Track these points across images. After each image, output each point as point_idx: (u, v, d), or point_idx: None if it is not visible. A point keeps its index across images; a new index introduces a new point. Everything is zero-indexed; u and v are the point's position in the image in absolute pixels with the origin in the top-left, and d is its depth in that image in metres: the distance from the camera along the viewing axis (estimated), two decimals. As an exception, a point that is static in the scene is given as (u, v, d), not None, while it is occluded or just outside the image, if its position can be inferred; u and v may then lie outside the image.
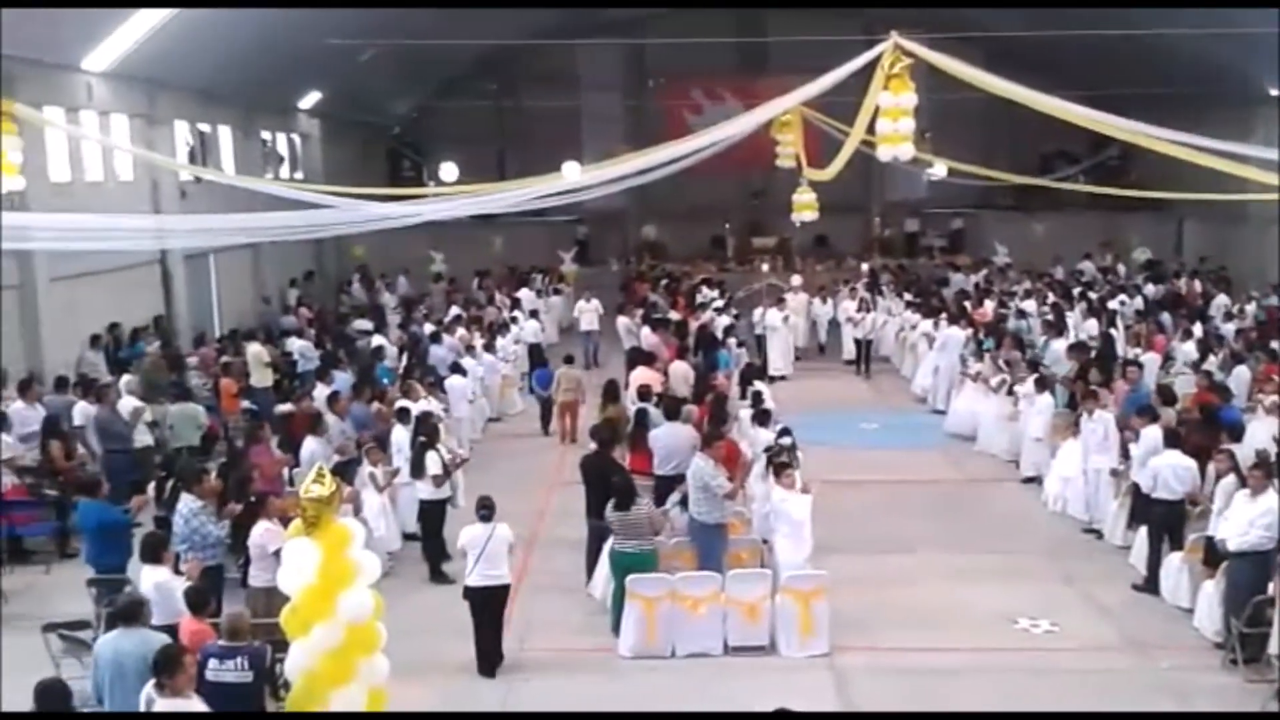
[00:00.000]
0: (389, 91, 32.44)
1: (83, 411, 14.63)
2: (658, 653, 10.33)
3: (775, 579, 10.52)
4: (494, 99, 34.76)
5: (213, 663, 7.18)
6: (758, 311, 23.26)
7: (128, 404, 14.85)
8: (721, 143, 15.29)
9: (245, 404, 17.53)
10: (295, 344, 20.67)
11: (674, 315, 22.79)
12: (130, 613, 7.72)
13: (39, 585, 12.41)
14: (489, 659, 10.07)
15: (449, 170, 33.09)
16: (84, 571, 10.78)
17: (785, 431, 13.05)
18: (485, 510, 10.12)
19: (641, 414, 13.95)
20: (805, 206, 20.12)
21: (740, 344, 20.72)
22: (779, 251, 32.17)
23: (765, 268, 27.31)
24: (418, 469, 12.59)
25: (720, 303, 24.37)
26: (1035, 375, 15.87)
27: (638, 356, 18.25)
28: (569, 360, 19.04)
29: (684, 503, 11.31)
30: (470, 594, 10.01)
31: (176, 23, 17.58)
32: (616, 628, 10.57)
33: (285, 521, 8.99)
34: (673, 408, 13.30)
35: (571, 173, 18.04)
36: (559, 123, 32.23)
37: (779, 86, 14.37)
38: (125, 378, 16.25)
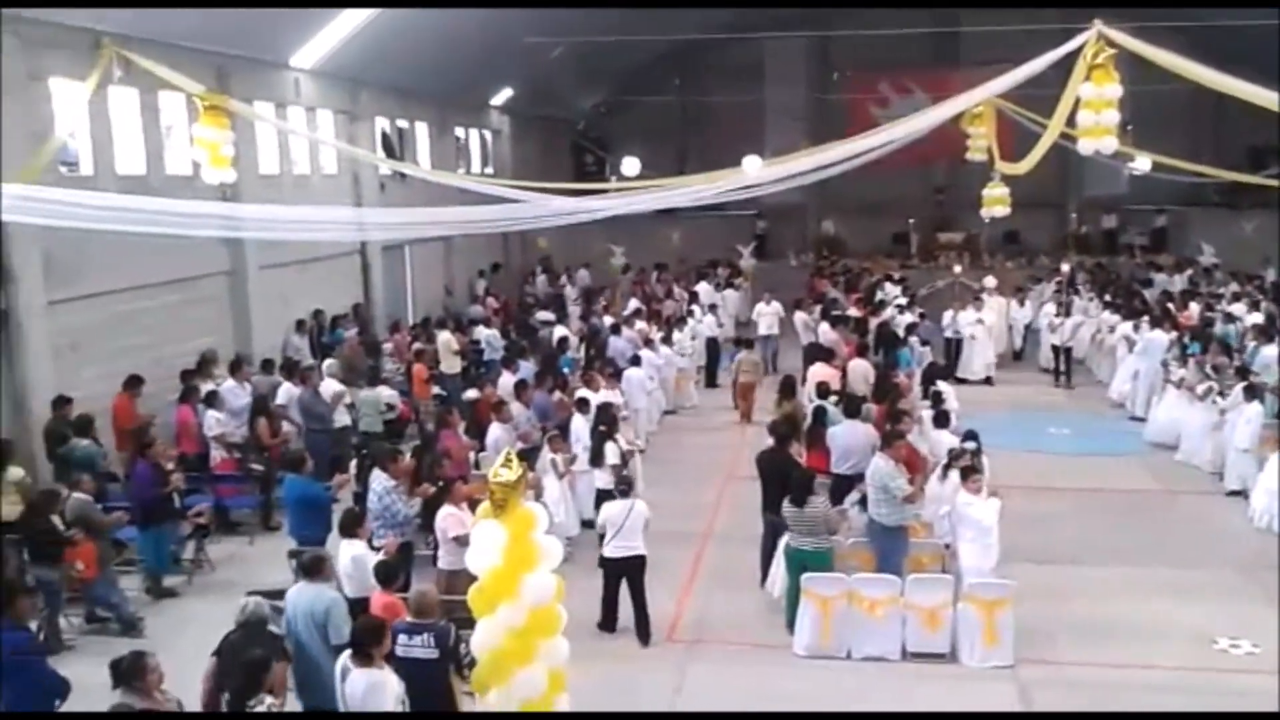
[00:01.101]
0: (575, 87, 33.06)
1: (287, 392, 15.43)
2: (833, 653, 10.23)
3: (958, 585, 10.25)
4: (677, 93, 34.97)
5: (401, 638, 7.49)
6: (948, 314, 22.54)
7: (329, 386, 15.59)
8: (907, 136, 14.96)
9: (435, 390, 18.27)
10: (482, 333, 21.39)
11: (853, 312, 22.43)
12: (313, 567, 8.21)
13: (243, 555, 13.19)
14: (613, 623, 10.71)
15: (631, 165, 33.41)
16: (286, 543, 11.35)
17: (970, 435, 12.68)
18: (625, 487, 10.81)
19: (819, 411, 13.81)
20: (996, 201, 19.45)
21: (923, 343, 20.23)
22: (965, 248, 31.28)
23: (957, 269, 26.43)
24: (597, 458, 12.83)
25: (902, 300, 23.83)
26: (1244, 383, 14.94)
27: (816, 353, 18.07)
28: (749, 344, 20.06)
29: (862, 503, 11.16)
30: (607, 564, 10.59)
31: (379, 22, 18.38)
32: (792, 625, 10.51)
33: (473, 505, 9.31)
34: (853, 406, 13.12)
35: (752, 167, 17.97)
36: (741, 116, 32.15)
37: (971, 79, 13.95)
38: (327, 361, 17.11)
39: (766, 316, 23.06)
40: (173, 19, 14.44)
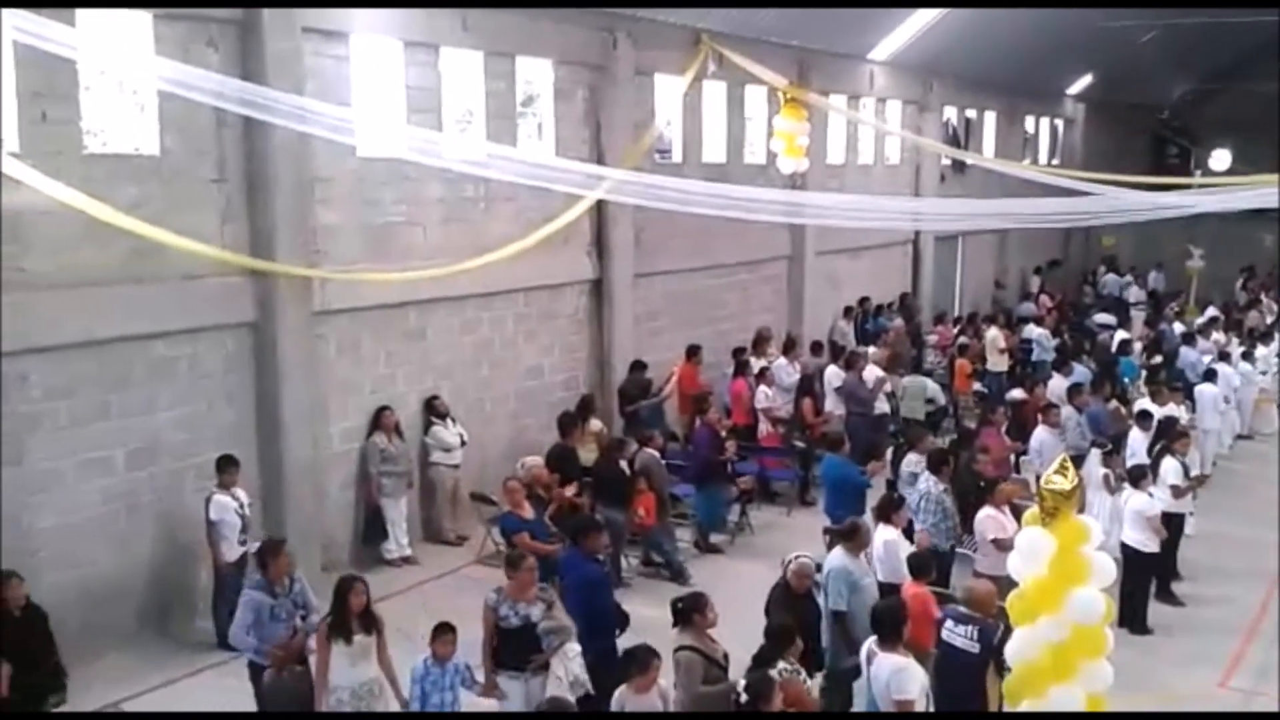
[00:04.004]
0: (1163, 72, 30.46)
1: (834, 375, 15.92)
2: None
3: None
4: (1283, 79, 30.92)
5: (949, 624, 7.52)
6: None
7: (872, 373, 15.84)
8: None
9: (976, 386, 17.90)
10: (1034, 331, 20.56)
11: None
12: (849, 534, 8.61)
13: (780, 524, 13.79)
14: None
15: (1220, 158, 30.23)
16: (820, 519, 11.72)
17: None
18: (1121, 480, 11.14)
19: None
20: None
21: None
22: None
23: None
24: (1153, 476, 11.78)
25: None
26: None
27: None
28: None
29: None
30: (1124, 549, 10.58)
31: (955, 13, 18.22)
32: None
33: (1015, 510, 9.00)
34: None
35: (1382, 164, 15.45)
36: (1365, 105, 27.74)
37: None
38: (871, 349, 17.38)
39: None
40: (762, 16, 15.37)
